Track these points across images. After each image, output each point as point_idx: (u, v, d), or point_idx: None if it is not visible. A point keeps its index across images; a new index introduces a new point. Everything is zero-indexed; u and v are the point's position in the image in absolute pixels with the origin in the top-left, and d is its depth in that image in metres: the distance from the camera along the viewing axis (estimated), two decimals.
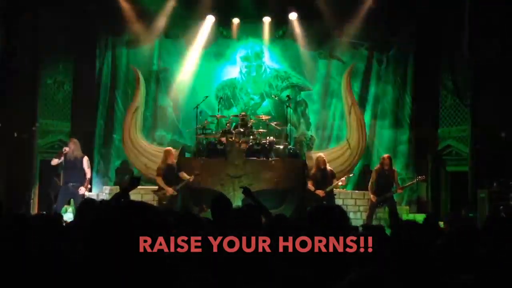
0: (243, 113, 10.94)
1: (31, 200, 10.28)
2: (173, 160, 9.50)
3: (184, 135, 11.91)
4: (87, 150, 11.62)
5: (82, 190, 9.01)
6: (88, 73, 11.73)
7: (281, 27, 12.00)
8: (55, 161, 9.26)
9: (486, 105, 10.04)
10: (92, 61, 11.82)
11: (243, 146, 10.09)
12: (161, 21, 11.54)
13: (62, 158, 9.13)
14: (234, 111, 11.84)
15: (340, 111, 11.69)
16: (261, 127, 10.89)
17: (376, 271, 1.68)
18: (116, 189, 10.18)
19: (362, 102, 11.64)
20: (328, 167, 9.28)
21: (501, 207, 9.07)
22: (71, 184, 9.05)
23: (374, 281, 1.65)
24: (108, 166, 11.75)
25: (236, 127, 10.59)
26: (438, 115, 11.27)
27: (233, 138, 10.13)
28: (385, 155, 9.53)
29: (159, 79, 12.10)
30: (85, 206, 4.33)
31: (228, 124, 10.78)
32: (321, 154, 9.69)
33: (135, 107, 11.42)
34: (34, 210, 10.22)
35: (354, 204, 10.08)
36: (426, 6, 11.03)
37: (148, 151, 11.17)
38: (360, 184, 10.88)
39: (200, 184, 9.97)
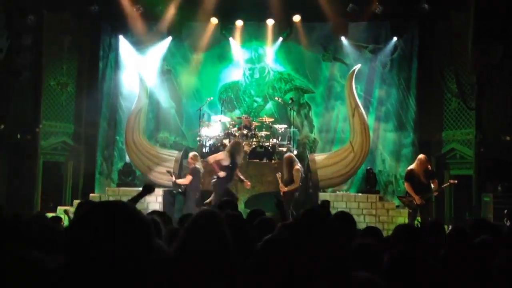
0: (246, 115, 10.92)
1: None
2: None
3: (187, 137, 11.88)
4: (90, 152, 11.67)
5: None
6: (92, 74, 11.75)
7: (284, 30, 11.98)
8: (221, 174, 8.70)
9: (491, 108, 10.01)
10: (96, 62, 11.84)
11: (246, 148, 10.06)
12: (165, 23, 11.54)
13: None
14: (237, 113, 11.82)
15: (344, 114, 11.62)
16: (264, 129, 10.87)
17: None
18: (119, 190, 10.16)
19: (365, 105, 11.59)
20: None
21: (506, 211, 9.01)
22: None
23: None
24: (111, 168, 11.74)
25: (239, 129, 10.57)
26: (442, 118, 11.22)
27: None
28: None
29: (163, 81, 12.10)
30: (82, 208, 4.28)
31: (231, 127, 10.76)
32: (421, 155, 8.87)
33: (138, 109, 11.36)
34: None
35: (357, 207, 9.98)
36: (430, 10, 11.00)
37: (151, 153, 11.13)
38: (363, 187, 10.81)
39: (204, 186, 9.93)
